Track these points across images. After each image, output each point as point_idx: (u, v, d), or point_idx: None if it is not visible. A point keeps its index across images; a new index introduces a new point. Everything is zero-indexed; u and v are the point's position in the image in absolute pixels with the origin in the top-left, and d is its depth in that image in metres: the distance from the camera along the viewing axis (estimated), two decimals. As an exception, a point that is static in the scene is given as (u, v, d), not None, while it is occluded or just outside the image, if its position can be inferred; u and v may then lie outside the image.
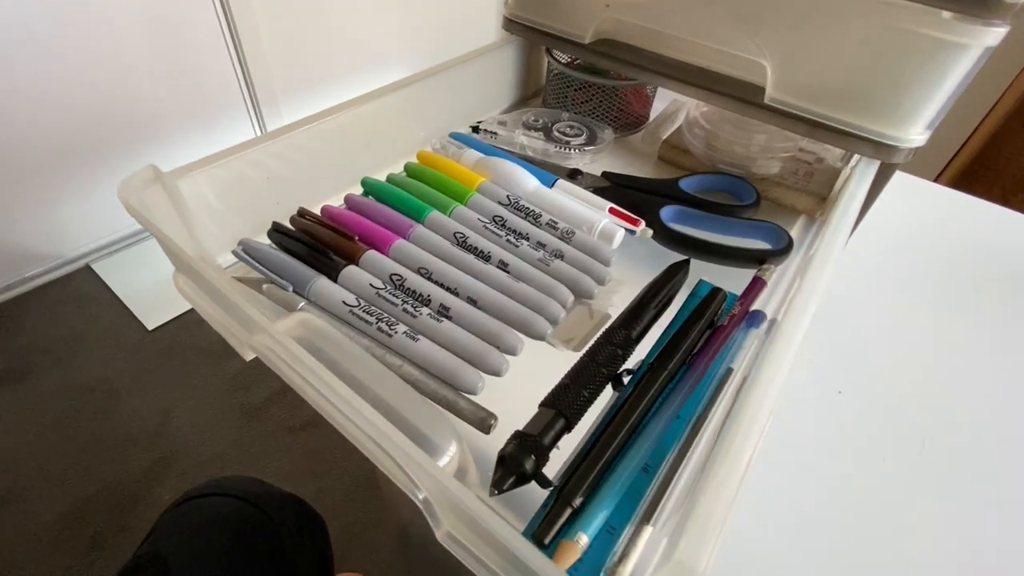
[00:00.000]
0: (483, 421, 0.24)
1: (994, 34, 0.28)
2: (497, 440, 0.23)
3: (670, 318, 0.30)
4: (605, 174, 0.41)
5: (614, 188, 0.40)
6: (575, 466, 0.23)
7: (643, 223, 0.36)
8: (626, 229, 0.35)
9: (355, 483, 0.86)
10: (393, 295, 0.29)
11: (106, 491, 0.84)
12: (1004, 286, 0.41)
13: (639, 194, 0.39)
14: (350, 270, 0.30)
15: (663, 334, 0.29)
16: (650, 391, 0.25)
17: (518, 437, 0.23)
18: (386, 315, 0.28)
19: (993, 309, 0.39)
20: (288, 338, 0.22)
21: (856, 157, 0.36)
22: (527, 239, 0.34)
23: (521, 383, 0.26)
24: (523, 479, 0.22)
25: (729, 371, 0.26)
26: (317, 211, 0.34)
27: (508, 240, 0.33)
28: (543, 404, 0.25)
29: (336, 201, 0.36)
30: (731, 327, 0.28)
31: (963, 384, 0.34)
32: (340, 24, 1.34)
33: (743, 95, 0.35)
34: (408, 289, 0.29)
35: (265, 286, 0.29)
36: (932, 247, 0.44)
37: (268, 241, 0.32)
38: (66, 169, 1.09)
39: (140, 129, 1.15)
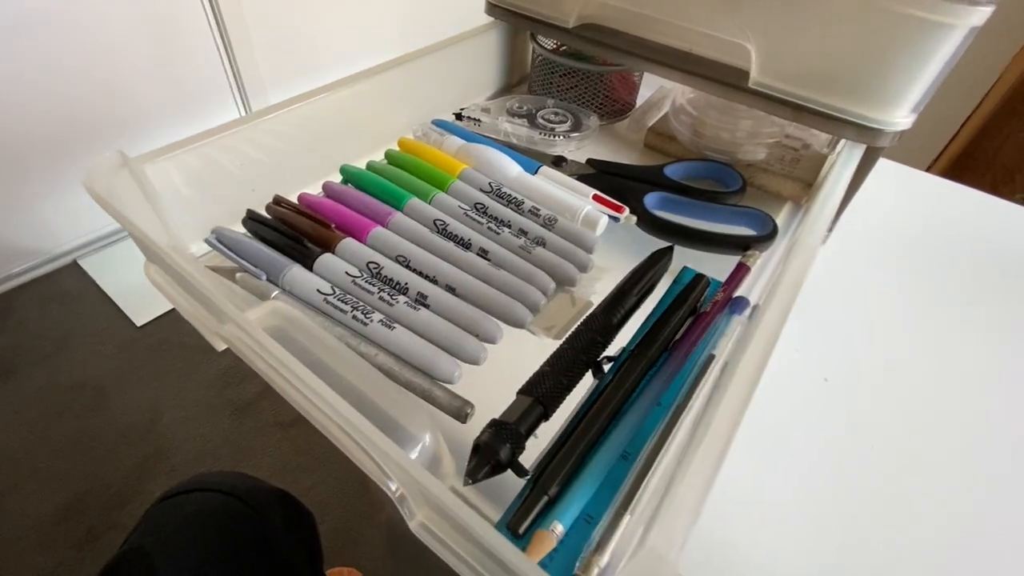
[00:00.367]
0: (459, 410, 0.24)
1: (979, 13, 0.27)
2: (474, 429, 0.23)
3: (653, 305, 0.30)
4: (590, 161, 0.40)
5: (599, 175, 0.39)
6: (552, 455, 0.22)
7: (627, 210, 0.35)
8: (610, 216, 0.35)
9: (346, 478, 0.86)
10: (370, 283, 0.28)
11: (97, 488, 0.84)
12: (993, 274, 0.41)
13: (623, 181, 0.38)
14: (326, 258, 0.29)
15: (645, 321, 0.29)
16: (630, 378, 0.25)
17: (494, 425, 0.22)
18: (362, 303, 0.27)
19: (981, 297, 0.39)
20: (257, 327, 0.21)
21: (842, 142, 0.36)
22: (509, 226, 0.33)
23: (501, 372, 0.26)
24: (498, 468, 0.22)
25: (711, 357, 0.26)
26: (294, 199, 0.33)
27: (489, 227, 0.33)
28: (521, 392, 0.24)
29: (314, 189, 0.35)
30: (713, 313, 0.28)
31: (950, 372, 0.34)
32: (329, 13, 1.32)
33: (728, 79, 0.35)
34: (385, 277, 0.29)
35: (238, 275, 0.28)
36: (922, 236, 0.44)
37: (243, 230, 0.31)
38: (52, 164, 1.07)
39: (127, 123, 1.13)
